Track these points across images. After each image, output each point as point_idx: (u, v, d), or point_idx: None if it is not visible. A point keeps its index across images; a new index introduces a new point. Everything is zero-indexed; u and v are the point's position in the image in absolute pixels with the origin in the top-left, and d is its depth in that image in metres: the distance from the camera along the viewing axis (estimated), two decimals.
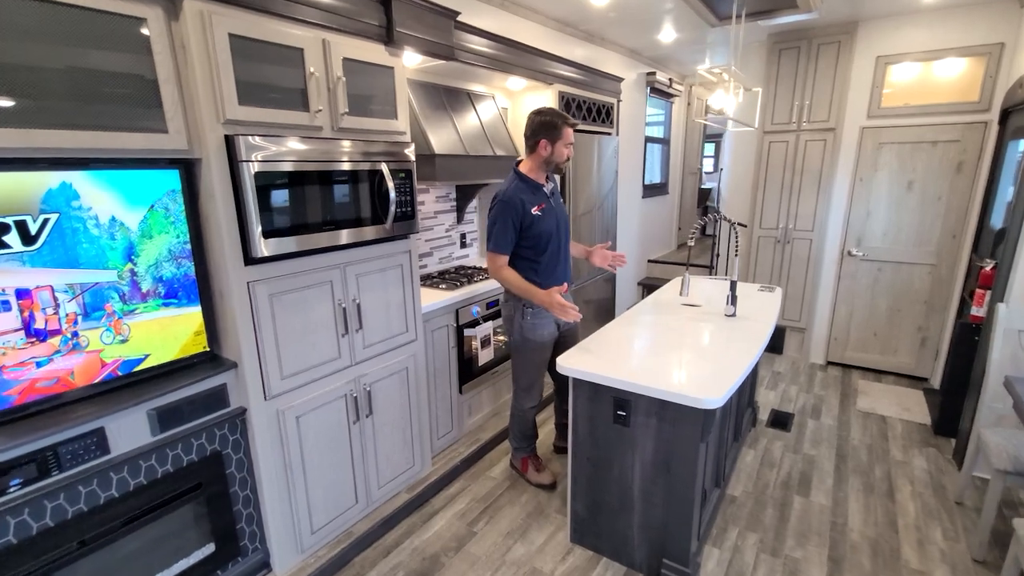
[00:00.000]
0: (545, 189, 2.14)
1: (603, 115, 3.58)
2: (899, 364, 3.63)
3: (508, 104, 3.22)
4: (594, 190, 3.52)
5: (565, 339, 2.29)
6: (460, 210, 3.12)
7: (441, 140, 2.45)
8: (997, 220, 2.82)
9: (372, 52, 1.85)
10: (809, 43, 3.53)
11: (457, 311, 2.52)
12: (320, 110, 1.69)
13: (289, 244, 1.65)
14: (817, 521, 2.18)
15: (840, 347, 3.79)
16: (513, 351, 2.27)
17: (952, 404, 2.76)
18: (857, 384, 3.54)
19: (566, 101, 3.14)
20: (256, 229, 1.55)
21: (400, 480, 2.26)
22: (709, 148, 7.13)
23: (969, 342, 2.67)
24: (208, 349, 1.61)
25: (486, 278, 2.77)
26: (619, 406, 1.79)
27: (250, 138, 1.50)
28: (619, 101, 3.80)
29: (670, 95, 5.03)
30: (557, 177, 2.58)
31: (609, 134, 3.68)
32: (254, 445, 1.69)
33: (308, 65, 1.64)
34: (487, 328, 2.70)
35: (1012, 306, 2.06)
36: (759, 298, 2.63)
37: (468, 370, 2.66)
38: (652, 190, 4.97)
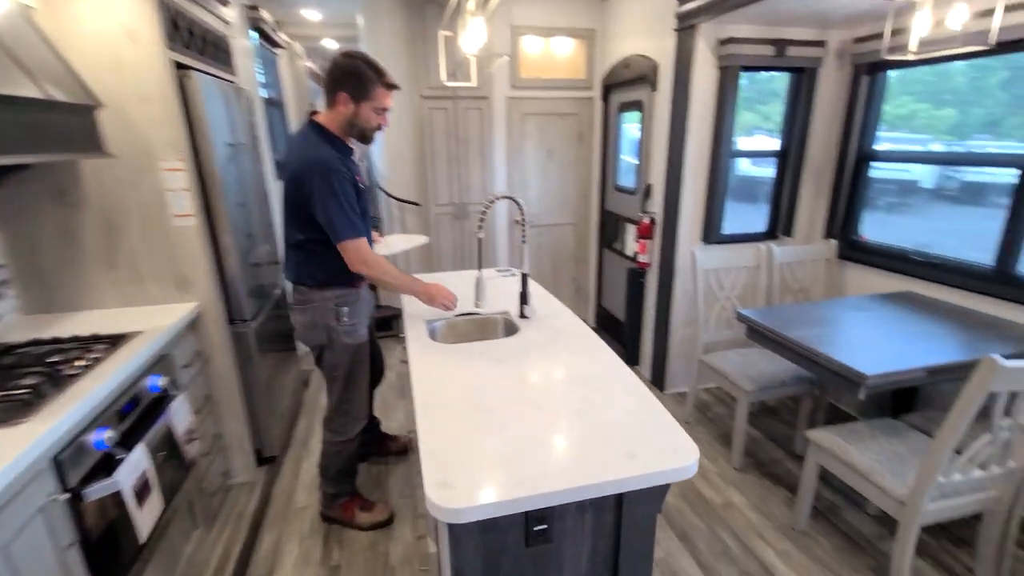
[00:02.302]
0: (355, 157, 1.74)
1: (220, 51, 2.31)
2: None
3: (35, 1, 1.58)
4: (245, 165, 2.28)
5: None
6: None
7: None
8: (625, 181, 3.39)
9: None
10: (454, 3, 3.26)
11: (58, 462, 1.08)
12: None
13: None
14: None
15: None
16: (329, 368, 1.82)
17: (634, 339, 3.25)
18: None
19: (171, 13, 1.79)
20: None
21: None
22: None
23: (638, 285, 3.15)
24: None
25: (90, 352, 1.33)
26: (537, 521, 1.08)
27: None
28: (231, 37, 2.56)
29: (276, 44, 3.91)
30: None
31: (232, 81, 2.44)
32: None
33: None
34: (139, 459, 1.31)
35: (701, 254, 2.44)
36: (507, 284, 2.27)
37: (114, 560, 1.24)
38: (281, 169, 3.84)
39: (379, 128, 1.68)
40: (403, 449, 2.48)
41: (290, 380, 2.74)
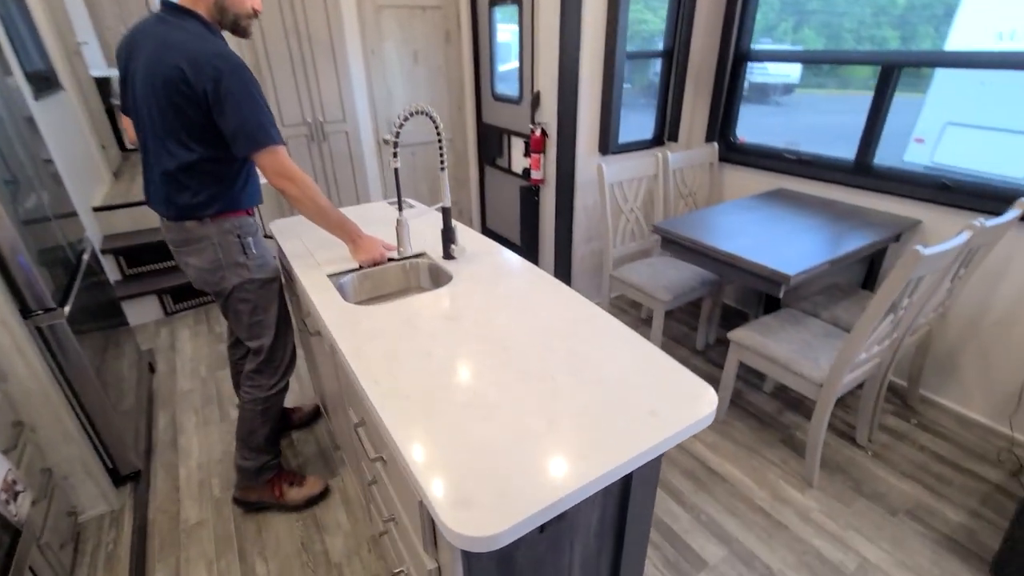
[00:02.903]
0: None
1: None
2: None
3: None
4: None
5: None
6: None
7: None
8: (506, 89, 3.08)
9: None
10: None
11: None
12: None
13: None
14: None
15: None
16: (248, 313, 1.53)
17: (531, 261, 3.14)
18: None
19: None
20: None
21: None
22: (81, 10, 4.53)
23: (532, 204, 3.00)
24: None
25: None
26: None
27: None
28: None
29: None
30: None
31: None
32: None
33: None
34: None
35: (607, 167, 2.33)
36: (412, 222, 1.93)
37: None
38: (41, 84, 2.74)
39: (255, 15, 1.35)
40: (306, 420, 2.14)
41: (130, 368, 2.13)
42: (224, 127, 1.26)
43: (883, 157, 2.22)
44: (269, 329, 1.57)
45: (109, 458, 1.74)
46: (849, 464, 1.88)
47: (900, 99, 2.14)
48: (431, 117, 1.38)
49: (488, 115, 3.32)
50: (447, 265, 1.53)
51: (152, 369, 2.48)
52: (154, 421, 2.17)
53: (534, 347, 1.11)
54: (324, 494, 1.79)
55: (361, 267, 1.52)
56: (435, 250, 1.62)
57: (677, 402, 0.95)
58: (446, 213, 1.53)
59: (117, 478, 1.77)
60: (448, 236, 1.54)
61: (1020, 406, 1.94)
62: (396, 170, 1.41)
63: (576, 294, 1.35)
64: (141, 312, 2.93)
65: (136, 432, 1.92)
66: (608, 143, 2.62)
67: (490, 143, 3.36)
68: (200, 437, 2.07)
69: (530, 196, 2.98)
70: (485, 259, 1.58)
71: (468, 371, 1.04)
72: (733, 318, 2.84)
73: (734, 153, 2.74)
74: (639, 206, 2.50)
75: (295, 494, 1.74)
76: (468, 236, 1.74)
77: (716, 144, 2.73)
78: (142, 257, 2.98)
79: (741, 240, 1.92)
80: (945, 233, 2.01)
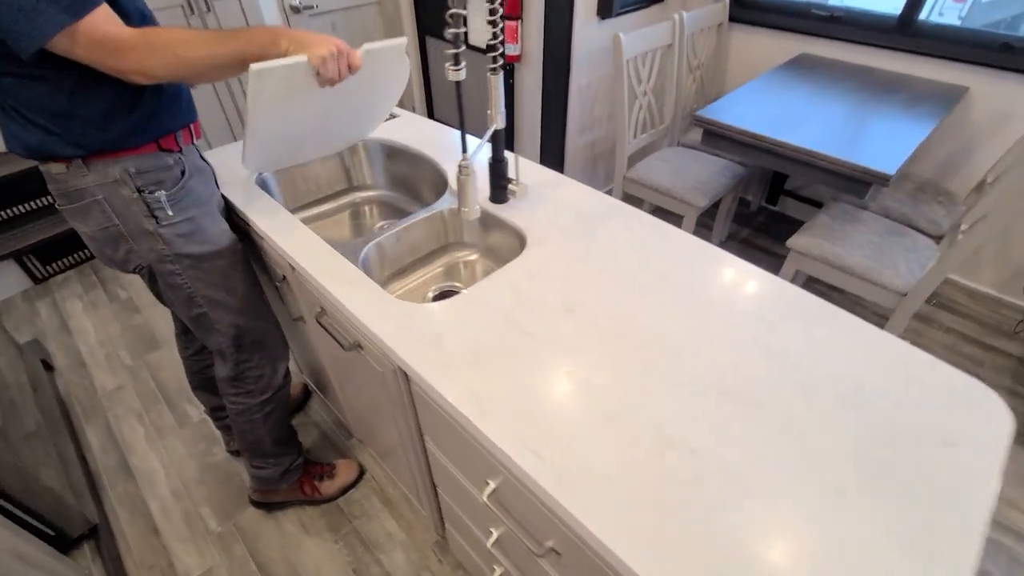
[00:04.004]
0: None
1: None
2: None
3: None
4: None
5: None
6: None
7: None
8: None
9: None
10: None
11: None
12: None
13: None
14: None
15: None
16: (173, 301, 1.07)
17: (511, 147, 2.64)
18: None
19: None
20: None
21: None
22: None
23: (506, 88, 2.42)
24: None
25: None
26: None
27: None
28: None
29: None
30: None
31: None
32: None
33: None
34: None
35: (625, 37, 1.81)
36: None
37: None
38: None
39: None
40: (296, 406, 1.73)
41: (9, 371, 1.53)
42: None
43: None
44: (225, 324, 1.09)
45: (40, 522, 1.26)
46: None
47: None
48: None
49: None
50: (501, 211, 1.09)
51: (49, 367, 1.84)
52: (83, 442, 1.63)
53: (712, 349, 0.78)
54: (360, 476, 1.51)
55: (321, 77, 0.85)
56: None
57: (961, 417, 0.70)
58: (498, 139, 1.04)
59: (66, 543, 1.30)
60: (500, 172, 1.08)
61: None
62: (459, 84, 0.88)
63: (692, 238, 1.01)
64: None
65: (62, 463, 1.41)
66: (612, 4, 2.06)
67: (434, 5, 2.59)
68: (159, 453, 1.59)
69: (503, 78, 2.39)
70: (545, 194, 1.14)
71: (653, 408, 0.69)
72: (740, 208, 2.64)
73: (747, 10, 2.30)
74: (651, 88, 2.06)
75: (329, 487, 1.46)
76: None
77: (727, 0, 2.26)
78: None
79: (808, 131, 1.61)
80: (997, 102, 1.83)
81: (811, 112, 1.73)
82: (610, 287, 0.89)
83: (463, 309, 0.86)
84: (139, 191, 0.92)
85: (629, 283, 0.90)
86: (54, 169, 0.89)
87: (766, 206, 2.64)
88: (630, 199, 2.15)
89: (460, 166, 0.90)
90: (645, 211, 1.08)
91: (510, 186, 1.09)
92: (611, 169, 2.75)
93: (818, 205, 2.43)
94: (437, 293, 1.15)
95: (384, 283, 1.11)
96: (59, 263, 2.25)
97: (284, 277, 1.11)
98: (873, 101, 1.79)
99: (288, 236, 1.03)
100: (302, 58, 0.83)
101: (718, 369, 0.75)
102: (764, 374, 0.74)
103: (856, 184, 1.48)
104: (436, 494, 1.14)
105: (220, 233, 1.05)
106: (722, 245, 2.38)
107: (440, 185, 1.24)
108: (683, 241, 1.01)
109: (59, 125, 0.83)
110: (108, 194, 0.91)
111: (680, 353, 0.77)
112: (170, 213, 0.96)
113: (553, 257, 0.97)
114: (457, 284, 1.16)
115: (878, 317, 1.93)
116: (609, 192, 1.24)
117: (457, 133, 1.37)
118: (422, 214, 1.11)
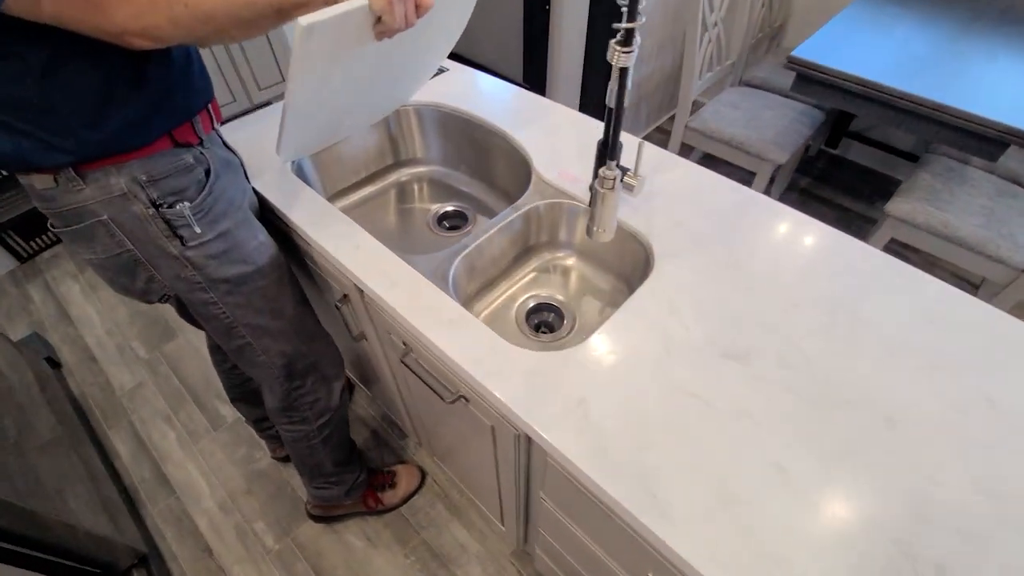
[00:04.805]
0: None
1: None
2: None
3: None
4: None
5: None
6: None
7: None
8: None
9: None
10: None
11: None
12: None
13: None
14: None
15: None
16: (212, 331, 0.87)
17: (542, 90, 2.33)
18: None
19: None
20: None
21: None
22: None
23: (542, 17, 2.06)
24: None
25: None
26: None
27: None
28: None
29: None
30: None
31: None
32: None
33: None
34: None
35: None
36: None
37: None
38: None
39: None
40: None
41: (12, 372, 1.35)
42: None
43: None
44: (273, 353, 0.90)
45: (77, 560, 1.13)
46: None
47: None
48: None
49: None
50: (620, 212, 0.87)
51: (55, 364, 1.65)
52: (108, 450, 1.48)
53: (971, 433, 0.61)
54: (422, 482, 1.40)
55: (382, 26, 0.59)
56: (548, 167, 0.93)
57: None
58: (618, 117, 0.80)
59: (115, 575, 1.19)
60: (606, 151, 0.84)
61: None
62: (623, 70, 0.64)
63: (856, 240, 0.81)
64: None
65: (91, 478, 1.27)
66: None
67: None
68: (196, 460, 1.45)
69: (537, 9, 2.04)
70: (664, 180, 0.92)
71: (888, 521, 0.54)
72: None
73: None
74: (722, 16, 1.75)
75: (392, 497, 1.35)
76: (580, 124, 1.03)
77: None
78: None
79: (932, 78, 1.36)
80: None
81: (927, 52, 1.46)
82: (773, 316, 0.71)
83: (603, 360, 0.68)
84: (155, 205, 0.70)
85: (800, 311, 0.72)
86: (38, 183, 0.66)
87: (826, 149, 2.40)
88: (684, 149, 1.91)
89: (603, 176, 0.68)
90: (693, 160, 0.87)
91: (626, 178, 0.87)
92: (655, 110, 2.46)
93: (887, 149, 2.20)
94: (533, 307, 0.95)
95: (469, 302, 0.92)
96: (44, 238, 1.99)
97: (345, 296, 0.91)
98: (990, 33, 1.52)
99: (351, 251, 0.82)
100: (361, 2, 0.57)
101: (988, 465, 0.58)
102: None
103: (991, 145, 1.26)
104: (528, 523, 1.02)
105: (259, 247, 0.83)
106: (781, 198, 2.18)
107: (516, 164, 1.01)
108: (838, 241, 0.82)
109: (33, 122, 0.60)
110: (114, 212, 0.69)
111: (907, 431, 0.60)
112: (198, 231, 0.74)
113: (692, 276, 0.77)
114: (558, 296, 0.96)
115: (971, 287, 1.78)
116: (656, 139, 1.01)
117: (534, 96, 1.12)
118: (511, 214, 0.89)
